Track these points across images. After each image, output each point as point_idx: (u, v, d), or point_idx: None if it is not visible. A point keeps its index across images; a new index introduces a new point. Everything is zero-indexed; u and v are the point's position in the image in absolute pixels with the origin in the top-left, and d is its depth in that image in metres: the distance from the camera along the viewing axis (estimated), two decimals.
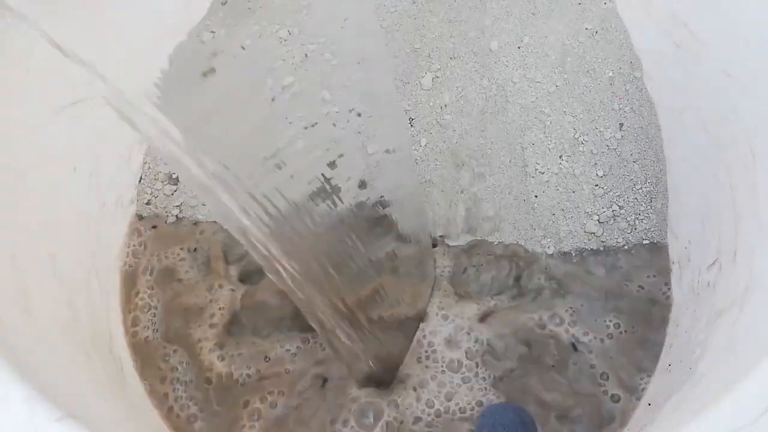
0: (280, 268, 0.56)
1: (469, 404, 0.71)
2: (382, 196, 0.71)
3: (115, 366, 0.66)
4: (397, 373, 0.73)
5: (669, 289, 0.76)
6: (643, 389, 0.71)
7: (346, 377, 0.72)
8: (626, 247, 0.79)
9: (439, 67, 0.88)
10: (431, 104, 0.86)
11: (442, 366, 0.73)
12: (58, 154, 0.64)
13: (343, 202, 0.66)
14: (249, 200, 0.55)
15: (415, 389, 0.72)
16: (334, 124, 0.74)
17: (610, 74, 0.85)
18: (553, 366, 0.73)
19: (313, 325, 0.63)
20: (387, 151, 0.74)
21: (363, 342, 0.67)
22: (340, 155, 0.76)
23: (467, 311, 0.76)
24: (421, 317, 0.76)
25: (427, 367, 0.73)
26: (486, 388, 0.72)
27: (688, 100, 0.73)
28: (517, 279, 0.79)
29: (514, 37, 0.88)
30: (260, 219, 0.56)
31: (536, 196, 0.82)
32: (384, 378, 0.73)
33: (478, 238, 0.81)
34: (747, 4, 0.60)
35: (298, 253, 0.59)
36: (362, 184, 0.74)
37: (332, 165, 0.72)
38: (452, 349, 0.74)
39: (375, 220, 0.70)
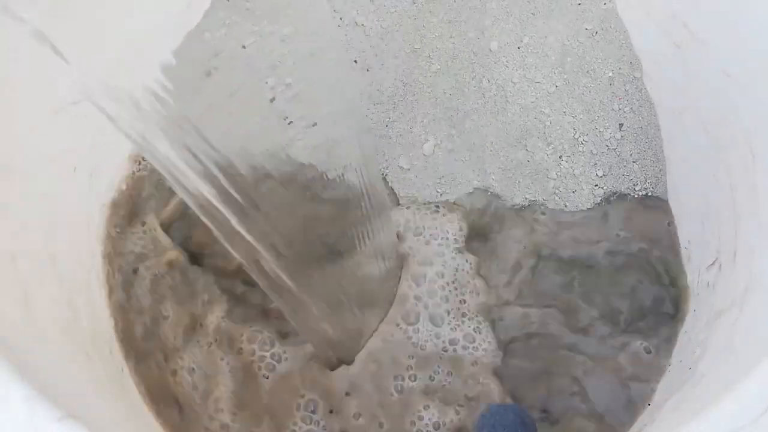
0: (262, 251, 0.56)
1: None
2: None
3: (115, 366, 0.66)
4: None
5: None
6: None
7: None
8: None
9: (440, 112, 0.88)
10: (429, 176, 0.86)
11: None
12: (58, 154, 0.63)
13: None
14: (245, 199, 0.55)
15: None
16: (334, 123, 0.74)
17: (610, 74, 0.85)
18: None
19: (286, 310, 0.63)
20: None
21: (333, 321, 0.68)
22: (340, 155, 0.76)
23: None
24: (390, 301, 0.77)
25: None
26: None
27: (688, 100, 0.73)
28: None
29: (513, 37, 0.88)
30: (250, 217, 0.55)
31: None
32: (347, 358, 0.74)
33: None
34: (747, 4, 0.60)
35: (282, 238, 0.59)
36: (360, 182, 0.74)
37: (332, 164, 0.72)
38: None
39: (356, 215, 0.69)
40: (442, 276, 0.78)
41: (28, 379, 0.40)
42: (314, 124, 0.74)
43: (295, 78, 0.70)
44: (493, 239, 0.81)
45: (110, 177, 0.74)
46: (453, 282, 0.78)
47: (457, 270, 0.79)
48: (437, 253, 0.80)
